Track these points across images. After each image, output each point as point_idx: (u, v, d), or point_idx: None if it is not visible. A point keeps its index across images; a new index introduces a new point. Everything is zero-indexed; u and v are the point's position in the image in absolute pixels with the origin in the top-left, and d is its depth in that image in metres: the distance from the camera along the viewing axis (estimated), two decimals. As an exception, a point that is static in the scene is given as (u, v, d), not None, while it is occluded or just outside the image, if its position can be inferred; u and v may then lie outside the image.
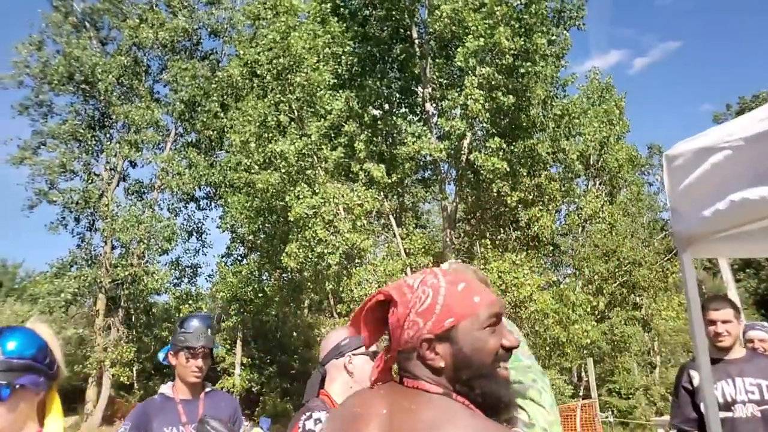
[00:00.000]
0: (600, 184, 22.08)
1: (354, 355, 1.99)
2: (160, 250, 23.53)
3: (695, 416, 2.96)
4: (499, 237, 18.13)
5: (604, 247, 19.06)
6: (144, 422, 2.54)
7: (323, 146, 15.60)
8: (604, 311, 18.57)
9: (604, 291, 18.73)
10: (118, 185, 24.78)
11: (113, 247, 23.70)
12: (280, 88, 15.56)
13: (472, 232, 19.64)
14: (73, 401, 21.56)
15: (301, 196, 14.84)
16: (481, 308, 1.07)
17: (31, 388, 1.55)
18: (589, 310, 15.95)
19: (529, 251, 17.27)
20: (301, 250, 15.25)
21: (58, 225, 23.35)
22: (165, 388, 2.73)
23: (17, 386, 1.51)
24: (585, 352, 14.63)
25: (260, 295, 21.98)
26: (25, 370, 1.55)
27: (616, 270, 18.96)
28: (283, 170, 15.23)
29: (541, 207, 17.09)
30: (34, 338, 1.62)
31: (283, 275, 20.93)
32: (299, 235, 15.30)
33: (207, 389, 2.75)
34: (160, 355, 2.84)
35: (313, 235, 14.72)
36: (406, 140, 16.00)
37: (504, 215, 18.07)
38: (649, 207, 23.06)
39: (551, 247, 18.82)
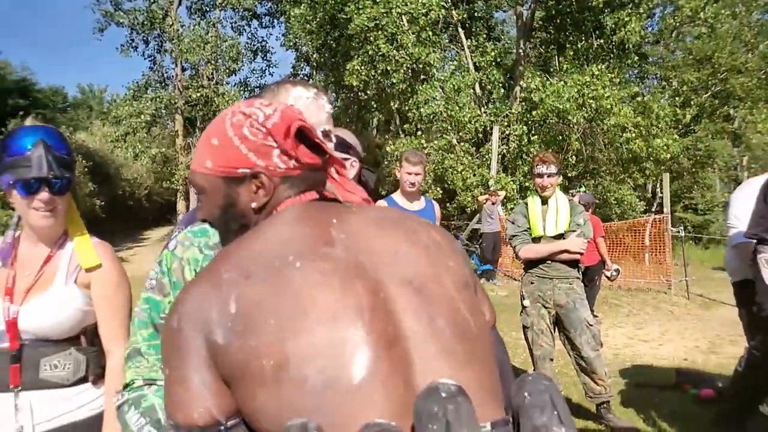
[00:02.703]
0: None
1: None
2: (227, 70, 23.54)
3: None
4: (579, 46, 16.56)
5: (698, 54, 17.08)
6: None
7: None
8: (689, 125, 17.25)
9: (693, 103, 17.20)
10: (180, 4, 24.15)
11: (183, 69, 23.85)
12: None
13: (549, 41, 18.06)
14: (166, 212, 23.64)
15: (361, 6, 13.85)
16: None
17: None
18: (672, 123, 14.85)
19: (612, 61, 15.82)
20: (363, 68, 14.66)
21: (129, 47, 23.50)
22: None
23: (71, 182, 1.60)
24: (663, 167, 13.91)
25: (328, 115, 21.92)
26: (70, 167, 1.60)
27: (709, 79, 17.16)
28: (341, -23, 14.11)
29: (630, 10, 15.20)
30: (65, 139, 1.64)
31: (349, 95, 20.58)
32: (361, 51, 14.59)
33: None
34: None
35: (376, 50, 13.97)
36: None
37: (586, 21, 16.29)
38: (762, 5, 19.87)
39: (637, 57, 17.12)
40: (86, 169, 14.95)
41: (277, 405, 0.72)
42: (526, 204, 4.03)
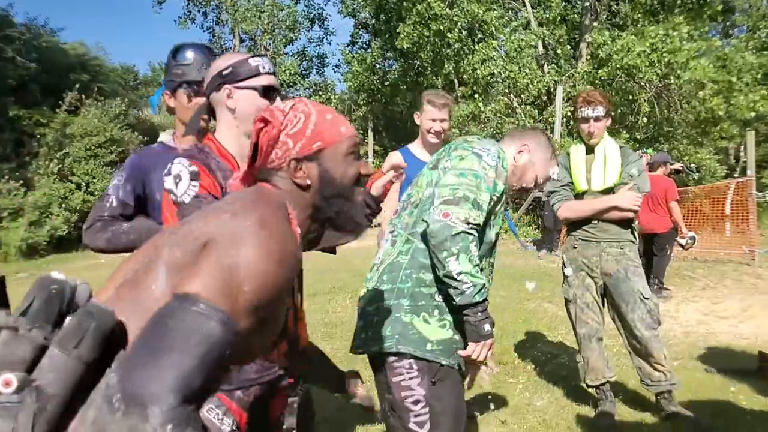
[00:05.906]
0: None
1: (237, 88, 1.62)
2: (284, 40, 23.35)
3: None
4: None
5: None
6: (140, 174, 2.05)
7: None
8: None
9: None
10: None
11: (242, 40, 23.87)
12: None
13: (620, -7, 16.62)
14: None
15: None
16: (346, 137, 1.19)
17: None
18: (759, 77, 13.32)
19: (691, 12, 14.34)
20: (415, 29, 13.95)
21: (186, 20, 23.69)
22: (164, 136, 2.20)
23: None
24: (747, 128, 12.54)
25: (386, 84, 21.45)
26: None
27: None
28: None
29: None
30: None
31: (407, 60, 19.92)
32: (413, 12, 13.88)
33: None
34: (153, 100, 2.31)
35: (427, 8, 13.22)
36: None
37: (662, -32, 14.81)
38: None
39: (721, 8, 15.45)
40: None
41: None
42: (569, 154, 3.33)
